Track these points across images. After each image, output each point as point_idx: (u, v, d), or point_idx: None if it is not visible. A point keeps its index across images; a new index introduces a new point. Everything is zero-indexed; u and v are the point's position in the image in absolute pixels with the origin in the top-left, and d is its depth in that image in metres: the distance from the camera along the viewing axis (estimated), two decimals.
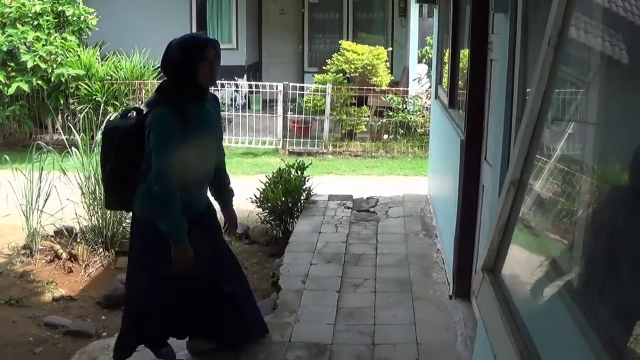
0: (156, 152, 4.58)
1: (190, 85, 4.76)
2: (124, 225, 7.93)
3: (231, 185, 5.58)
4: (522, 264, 3.19)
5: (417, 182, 11.04)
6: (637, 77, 2.59)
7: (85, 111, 9.76)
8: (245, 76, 17.98)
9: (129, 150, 4.79)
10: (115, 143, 4.90)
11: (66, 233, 8.23)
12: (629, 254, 2.56)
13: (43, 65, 13.74)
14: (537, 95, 2.61)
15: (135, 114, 5.07)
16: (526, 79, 3.82)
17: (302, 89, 15.48)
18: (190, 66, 4.72)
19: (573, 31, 2.75)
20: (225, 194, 5.53)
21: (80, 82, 14.38)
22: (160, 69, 5.05)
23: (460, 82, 7.15)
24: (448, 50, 7.72)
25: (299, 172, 8.95)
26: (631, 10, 2.58)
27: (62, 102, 14.43)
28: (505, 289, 2.75)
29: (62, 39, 14.34)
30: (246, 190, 8.79)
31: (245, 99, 17.21)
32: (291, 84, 15.06)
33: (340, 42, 17.09)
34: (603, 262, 2.73)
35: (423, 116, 14.53)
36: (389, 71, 16.80)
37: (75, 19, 14.89)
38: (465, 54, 6.62)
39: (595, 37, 3.14)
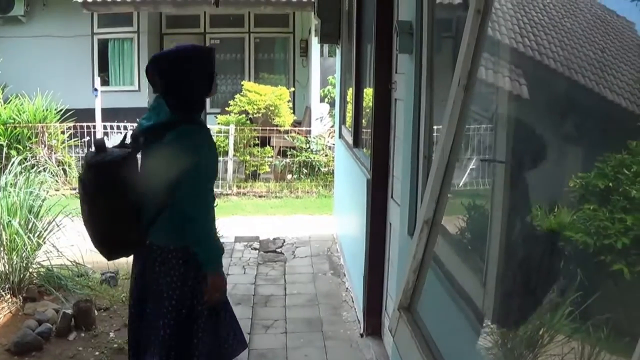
0: (195, 174, 4.21)
1: (203, 98, 4.49)
2: (30, 270, 7.70)
3: None
4: (436, 300, 3.21)
5: (323, 221, 11.07)
6: (539, 112, 2.65)
7: None
8: None
9: (133, 181, 4.26)
10: (114, 177, 4.23)
11: None
12: (536, 285, 2.60)
13: None
14: (447, 135, 2.65)
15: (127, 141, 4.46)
16: (432, 118, 3.88)
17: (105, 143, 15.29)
18: (211, 77, 4.41)
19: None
20: None
21: None
22: (165, 86, 4.36)
23: (364, 121, 7.22)
24: (351, 89, 7.80)
25: None
26: (537, 50, 2.65)
27: None
28: (423, 325, 2.76)
29: None
30: None
31: None
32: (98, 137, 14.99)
33: (242, 82, 17.12)
34: (512, 294, 2.77)
35: (326, 155, 14.62)
36: (292, 111, 16.88)
37: None
38: (368, 93, 6.70)
39: (496, 74, 3.21)
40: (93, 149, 4.40)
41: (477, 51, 2.59)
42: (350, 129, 7.83)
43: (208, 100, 19.39)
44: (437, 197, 2.74)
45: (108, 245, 4.54)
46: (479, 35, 2.55)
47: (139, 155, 4.47)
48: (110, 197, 4.25)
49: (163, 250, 4.38)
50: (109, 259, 4.80)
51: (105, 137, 15.07)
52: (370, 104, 5.98)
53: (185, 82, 4.32)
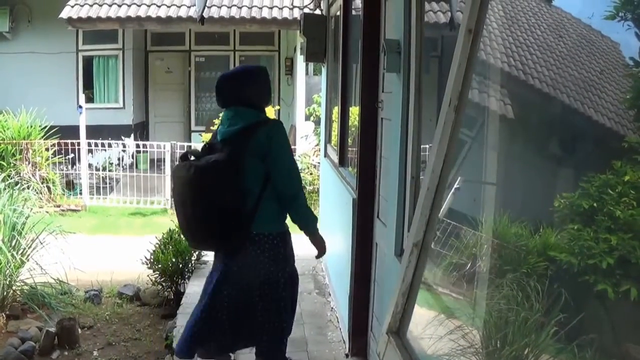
0: (288, 159, 5.10)
1: (268, 105, 5.40)
2: (14, 288, 7.66)
3: None
4: (425, 323, 3.20)
5: (308, 240, 11.03)
6: (524, 131, 2.65)
7: None
8: (132, 135, 17.80)
9: (237, 178, 4.92)
10: (225, 174, 4.90)
11: None
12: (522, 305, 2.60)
13: None
14: (437, 156, 2.64)
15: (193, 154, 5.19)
16: (420, 138, 3.88)
17: (189, 148, 15.29)
18: (270, 88, 5.35)
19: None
20: None
21: None
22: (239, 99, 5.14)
23: (349, 140, 7.22)
24: (337, 108, 7.80)
25: None
26: (522, 69, 2.66)
27: None
28: (412, 350, 2.75)
29: None
30: (136, 250, 8.65)
31: (133, 158, 17.01)
32: (178, 143, 14.94)
33: None
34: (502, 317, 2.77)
35: (311, 174, 14.61)
36: None
37: None
38: (354, 111, 6.70)
39: (482, 94, 3.22)
40: (191, 157, 5.12)
41: (468, 71, 2.59)
42: (335, 148, 7.83)
43: (193, 118, 19.46)
44: (427, 219, 2.73)
45: (215, 238, 5.08)
46: (470, 55, 2.55)
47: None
48: (217, 194, 4.92)
49: (268, 238, 5.07)
50: (216, 251, 5.38)
51: (90, 155, 15.05)
52: (356, 122, 5.98)
53: (256, 91, 5.19)
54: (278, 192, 5.03)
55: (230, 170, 4.89)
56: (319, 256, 5.48)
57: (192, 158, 5.09)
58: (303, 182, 14.39)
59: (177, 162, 5.37)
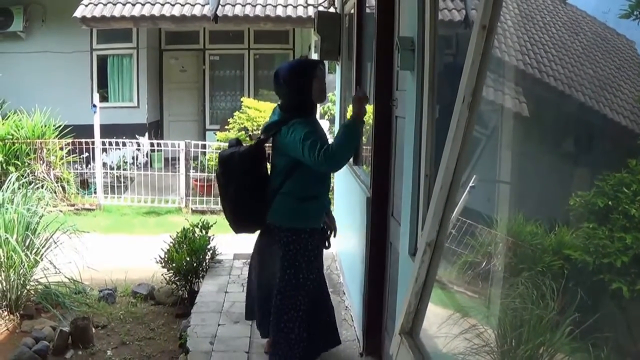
0: (310, 140, 5.05)
1: (306, 102, 5.44)
2: (28, 287, 7.69)
3: None
4: (438, 322, 3.18)
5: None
6: (539, 129, 2.63)
7: None
8: (147, 134, 17.85)
9: (250, 169, 5.40)
10: (239, 166, 5.39)
11: None
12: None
13: None
14: (451, 154, 2.62)
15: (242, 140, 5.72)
16: (434, 136, 3.86)
17: (204, 146, 15.33)
18: (306, 84, 5.36)
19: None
20: None
21: None
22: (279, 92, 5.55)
23: (364, 139, 7.20)
24: (350, 106, 7.78)
25: (203, 231, 8.83)
26: (537, 67, 2.64)
27: None
28: (424, 350, 2.73)
29: None
30: (150, 249, 8.65)
31: (147, 157, 17.05)
32: (193, 142, 14.94)
33: (241, 99, 17.12)
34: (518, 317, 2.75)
35: None
36: None
37: None
38: (368, 110, 6.68)
39: (497, 91, 3.20)
40: (228, 146, 5.66)
41: (482, 68, 2.56)
42: None
43: (207, 117, 19.48)
44: (441, 219, 2.71)
45: (236, 221, 5.61)
46: (484, 52, 2.53)
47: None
48: (236, 181, 5.42)
49: (279, 230, 5.38)
50: (236, 232, 5.82)
51: (105, 154, 15.08)
52: (371, 121, 5.96)
53: (284, 92, 5.48)
54: (314, 179, 5.39)
55: (244, 162, 5.39)
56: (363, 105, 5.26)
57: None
58: None
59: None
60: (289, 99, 5.45)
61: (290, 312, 5.39)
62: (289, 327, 5.39)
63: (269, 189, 5.42)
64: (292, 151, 5.18)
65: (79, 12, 16.18)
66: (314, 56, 15.26)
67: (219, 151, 5.67)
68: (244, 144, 5.59)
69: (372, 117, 5.88)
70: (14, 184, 8.31)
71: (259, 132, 5.66)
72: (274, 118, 5.52)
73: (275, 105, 5.68)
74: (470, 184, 3.35)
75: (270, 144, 5.52)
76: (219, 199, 5.78)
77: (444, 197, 2.70)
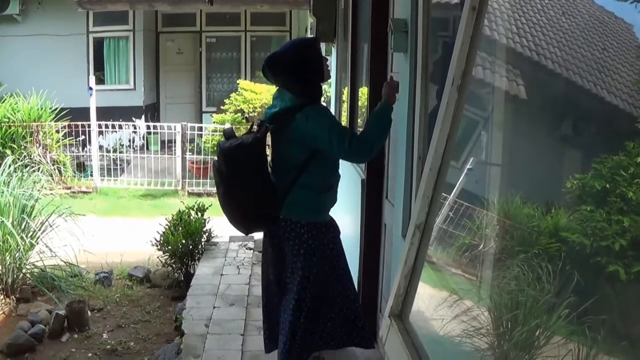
0: (337, 129, 4.78)
1: (318, 84, 5.02)
2: (24, 271, 7.68)
3: None
4: (434, 305, 3.17)
5: None
6: (537, 112, 2.61)
7: None
8: (143, 117, 17.82)
9: (261, 162, 4.89)
10: (248, 158, 4.83)
11: None
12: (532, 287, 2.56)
13: None
14: (440, 136, 2.60)
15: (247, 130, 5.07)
16: (427, 118, 3.85)
17: (201, 129, 15.31)
18: (318, 65, 4.92)
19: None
20: None
21: None
22: (276, 76, 5.00)
23: (359, 121, 7.18)
24: (346, 88, 7.75)
25: (199, 214, 8.82)
26: (535, 50, 2.61)
27: None
28: (414, 334, 2.72)
29: None
30: (147, 232, 8.64)
31: (143, 139, 17.05)
32: (189, 124, 14.92)
33: (238, 81, 17.09)
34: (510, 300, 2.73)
35: None
36: None
37: None
38: (364, 92, 6.65)
39: (494, 74, 3.17)
40: (223, 137, 5.02)
41: (472, 50, 2.54)
42: None
43: (204, 99, 19.44)
44: (430, 201, 2.69)
45: (247, 221, 5.10)
46: (473, 34, 2.50)
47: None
48: (245, 177, 4.84)
49: (296, 225, 4.89)
50: (247, 234, 5.62)
51: (101, 136, 15.05)
52: (366, 103, 5.93)
53: (294, 75, 4.89)
54: (335, 169, 5.06)
55: (252, 154, 4.81)
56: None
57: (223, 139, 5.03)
58: None
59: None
60: (301, 83, 4.90)
61: (304, 305, 4.98)
62: (303, 322, 4.99)
63: (279, 181, 4.92)
64: (313, 141, 4.77)
65: None
66: None
67: (220, 142, 5.04)
68: (237, 135, 5.05)
69: (366, 99, 5.85)
70: (10, 167, 8.29)
71: (263, 118, 5.06)
72: (283, 104, 4.96)
73: (274, 89, 5.26)
74: (468, 166, 3.34)
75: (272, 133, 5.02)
76: (219, 200, 5.10)
77: (433, 179, 2.67)
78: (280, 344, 5.07)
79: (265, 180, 4.87)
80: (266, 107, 5.27)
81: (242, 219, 5.06)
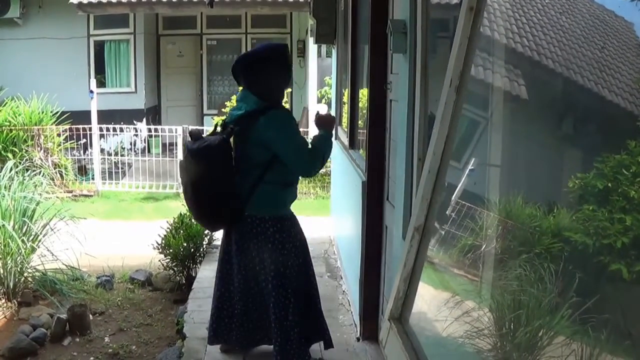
0: (296, 144, 5.13)
1: (284, 88, 5.38)
2: (25, 274, 7.67)
3: None
4: (430, 305, 3.16)
5: (320, 223, 10.96)
6: (538, 112, 2.60)
7: None
8: (144, 120, 17.83)
9: (228, 160, 5.15)
10: (216, 158, 5.09)
11: None
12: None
13: None
14: (439, 138, 2.58)
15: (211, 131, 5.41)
16: (426, 119, 3.83)
17: (202, 131, 15.21)
18: (285, 70, 5.31)
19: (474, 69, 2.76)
20: None
21: None
22: (246, 81, 5.27)
23: (359, 122, 7.17)
24: (347, 90, 7.75)
25: None
26: (536, 50, 2.60)
27: None
28: (414, 337, 2.70)
29: None
30: (148, 235, 8.63)
31: (145, 142, 17.04)
32: (190, 127, 14.88)
33: None
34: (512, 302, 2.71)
35: None
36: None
37: None
38: (364, 93, 6.64)
39: (495, 74, 3.16)
40: (189, 138, 5.29)
41: (470, 51, 2.52)
42: (346, 130, 7.77)
43: (205, 102, 19.44)
44: (429, 203, 2.67)
45: (213, 219, 5.40)
46: (471, 34, 2.49)
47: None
48: (212, 176, 5.08)
49: (261, 221, 5.17)
50: (212, 231, 6.09)
51: (102, 140, 15.04)
52: (367, 104, 5.92)
53: (263, 77, 5.20)
54: (293, 172, 5.26)
55: (220, 155, 5.08)
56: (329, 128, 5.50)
57: (189, 140, 5.28)
58: None
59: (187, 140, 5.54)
60: (267, 86, 5.21)
61: (287, 301, 5.23)
62: (293, 319, 5.24)
63: (243, 179, 5.16)
64: (272, 144, 5.07)
65: None
66: (312, 40, 15.22)
67: (187, 143, 5.39)
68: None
69: (367, 101, 5.83)
70: (10, 170, 8.28)
71: (227, 120, 5.33)
72: (247, 107, 5.17)
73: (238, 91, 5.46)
74: (470, 167, 3.33)
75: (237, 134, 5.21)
76: (185, 198, 5.43)
77: (431, 181, 2.66)
78: (276, 347, 5.28)
79: (230, 179, 5.14)
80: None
81: (209, 216, 5.36)
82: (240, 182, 5.16)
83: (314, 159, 5.17)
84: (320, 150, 5.21)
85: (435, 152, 2.62)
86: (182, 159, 5.55)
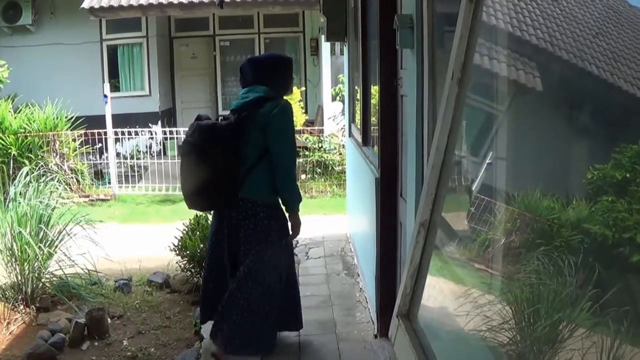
0: (287, 135, 5.42)
1: (285, 92, 5.73)
2: (43, 280, 7.68)
3: None
4: (440, 302, 3.13)
5: (337, 221, 10.96)
6: (554, 104, 2.57)
7: None
8: (160, 122, 17.85)
9: (236, 143, 5.33)
10: (223, 140, 5.31)
11: None
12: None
13: None
14: (442, 133, 2.54)
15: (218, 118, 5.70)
16: (435, 114, 3.80)
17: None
18: (290, 77, 5.79)
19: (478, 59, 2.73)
20: None
21: None
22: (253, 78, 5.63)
23: (372, 119, 7.14)
24: (359, 87, 7.72)
25: None
26: (550, 41, 2.56)
27: None
28: (421, 333, 2.67)
29: None
30: (166, 238, 8.61)
31: (160, 145, 17.06)
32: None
33: None
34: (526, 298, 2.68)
35: (340, 154, 14.55)
36: (303, 110, 16.84)
37: None
38: (376, 90, 6.62)
39: (510, 67, 3.12)
40: (198, 120, 5.51)
41: (471, 43, 2.48)
42: (359, 127, 7.75)
43: (220, 103, 19.45)
44: (434, 198, 2.64)
45: (207, 195, 5.47)
46: (472, 26, 2.45)
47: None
48: (216, 154, 5.29)
49: (253, 204, 5.39)
50: (201, 210, 6.37)
51: (118, 143, 15.07)
52: (378, 101, 5.90)
53: (276, 71, 5.64)
54: (273, 164, 5.39)
55: (229, 134, 5.32)
56: (292, 237, 5.74)
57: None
58: (332, 163, 14.45)
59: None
60: (279, 83, 5.62)
61: (259, 289, 5.44)
62: (258, 305, 5.47)
63: (241, 164, 5.38)
64: (267, 129, 5.34)
65: (86, 3, 16.18)
66: (322, 38, 15.23)
67: (194, 122, 5.60)
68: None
69: (378, 97, 5.82)
70: (26, 176, 8.29)
71: (233, 107, 5.60)
72: (257, 94, 5.49)
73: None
74: (487, 161, 3.30)
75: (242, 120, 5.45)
76: (182, 171, 5.54)
77: (435, 176, 2.62)
78: (225, 323, 5.51)
79: (232, 161, 5.33)
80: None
81: (204, 192, 5.45)
82: (238, 166, 5.37)
83: (288, 169, 5.46)
84: (290, 186, 5.52)
85: (438, 147, 2.58)
86: (185, 138, 5.67)
